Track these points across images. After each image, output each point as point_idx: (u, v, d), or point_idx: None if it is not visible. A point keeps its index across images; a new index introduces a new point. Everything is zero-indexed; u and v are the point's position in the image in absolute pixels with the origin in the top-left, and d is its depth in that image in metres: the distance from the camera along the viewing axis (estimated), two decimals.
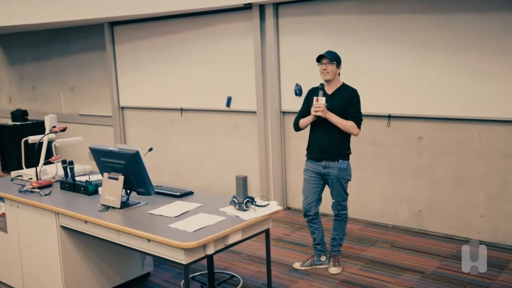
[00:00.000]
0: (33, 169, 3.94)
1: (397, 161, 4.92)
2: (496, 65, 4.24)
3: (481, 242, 4.46)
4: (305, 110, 3.96)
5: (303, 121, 3.93)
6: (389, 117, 4.89)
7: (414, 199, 4.87)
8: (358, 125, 3.82)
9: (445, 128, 4.61)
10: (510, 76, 4.18)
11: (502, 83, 4.23)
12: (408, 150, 4.83)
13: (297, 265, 4.15)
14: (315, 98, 3.80)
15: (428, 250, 4.38)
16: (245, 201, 3.08)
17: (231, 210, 3.11)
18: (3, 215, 3.81)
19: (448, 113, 4.54)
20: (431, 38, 4.52)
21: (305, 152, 4.04)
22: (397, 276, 3.88)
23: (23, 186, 3.84)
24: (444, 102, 4.54)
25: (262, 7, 5.48)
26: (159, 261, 4.14)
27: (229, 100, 5.99)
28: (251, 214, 3.04)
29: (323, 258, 4.10)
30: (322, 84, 3.86)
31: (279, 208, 3.20)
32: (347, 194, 3.97)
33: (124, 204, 3.24)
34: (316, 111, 3.76)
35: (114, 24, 7.01)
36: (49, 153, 4.12)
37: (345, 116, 3.79)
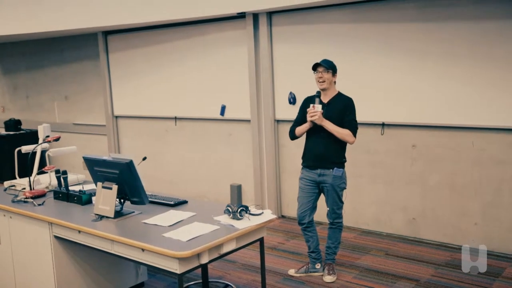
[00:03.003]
0: (27, 179, 3.92)
1: (391, 169, 4.93)
2: (489, 73, 4.27)
3: (476, 250, 4.48)
4: (301, 119, 3.97)
5: (299, 129, 3.94)
6: (383, 125, 4.91)
7: (409, 207, 4.88)
8: (354, 133, 3.83)
9: (438, 136, 4.63)
10: (504, 84, 4.22)
11: (496, 91, 4.26)
12: (402, 158, 4.85)
13: (291, 271, 4.14)
14: (311, 105, 3.81)
15: (423, 258, 4.38)
16: (239, 209, 3.08)
17: (225, 219, 3.10)
18: None
19: (441, 121, 4.57)
20: (424, 46, 4.55)
21: (300, 160, 4.04)
22: (392, 285, 3.88)
23: (16, 196, 3.82)
24: (437, 110, 4.57)
25: (255, 16, 5.51)
26: (153, 270, 4.12)
27: (223, 109, 6.00)
28: (246, 223, 3.03)
29: (318, 266, 4.09)
30: (319, 92, 3.87)
31: (274, 216, 3.20)
32: (342, 202, 3.97)
33: (118, 214, 3.23)
34: (312, 117, 3.77)
35: (108, 33, 7.02)
36: (42, 163, 4.10)
37: (340, 125, 3.80)
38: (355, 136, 3.84)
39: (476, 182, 4.47)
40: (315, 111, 3.76)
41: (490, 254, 4.38)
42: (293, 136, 4.02)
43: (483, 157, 4.42)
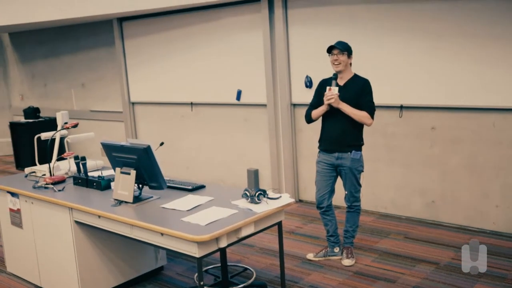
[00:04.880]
0: (46, 165, 3.97)
1: (410, 152, 4.88)
2: (509, 52, 4.17)
3: (497, 233, 4.43)
4: (317, 102, 3.93)
5: (315, 112, 3.90)
6: (401, 107, 4.84)
7: (427, 190, 4.83)
8: (371, 115, 3.79)
9: (458, 117, 4.56)
10: None
11: None
12: (421, 140, 4.79)
13: (310, 255, 4.14)
14: (327, 87, 3.77)
15: (443, 241, 4.34)
16: (257, 194, 3.07)
17: (243, 203, 3.10)
18: (18, 211, 3.84)
19: (461, 102, 4.49)
20: (443, 26, 4.46)
21: (316, 144, 4.02)
22: (411, 268, 3.86)
23: (37, 182, 3.87)
24: (456, 91, 4.49)
25: None
26: (172, 254, 4.16)
27: (239, 94, 5.98)
28: (264, 207, 3.03)
29: (336, 250, 4.09)
30: (335, 74, 3.83)
31: (292, 200, 3.19)
32: (360, 185, 3.95)
33: (137, 199, 3.25)
34: (328, 100, 3.73)
35: (123, 19, 7.02)
36: (61, 149, 4.15)
37: (357, 107, 3.76)
38: (372, 118, 3.80)
39: (497, 164, 4.40)
40: (332, 94, 3.72)
41: (510, 236, 4.32)
42: (309, 119, 3.98)
43: (504, 138, 4.34)
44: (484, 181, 4.49)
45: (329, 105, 3.76)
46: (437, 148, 4.71)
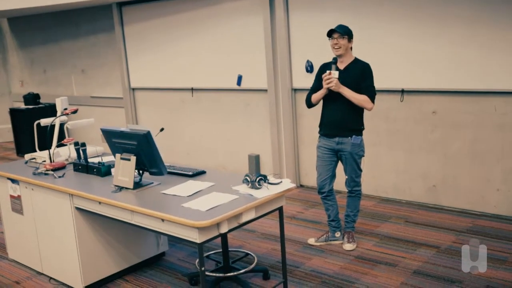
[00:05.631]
0: (46, 151, 3.96)
1: (411, 136, 4.86)
2: (510, 36, 4.14)
3: (498, 216, 4.43)
4: (317, 86, 3.90)
5: (315, 96, 3.88)
6: (402, 91, 4.81)
7: (429, 174, 4.82)
8: (372, 99, 3.76)
9: (459, 101, 4.53)
10: None
11: None
12: (422, 125, 4.77)
13: (311, 240, 4.15)
14: (327, 71, 3.74)
15: (443, 225, 4.35)
16: (258, 179, 3.07)
17: (244, 189, 3.10)
18: (19, 197, 3.85)
19: (462, 86, 4.46)
20: (444, 10, 4.41)
21: (317, 129, 4.00)
22: (412, 252, 3.87)
23: (37, 168, 3.86)
24: (458, 75, 4.45)
25: None
26: (173, 240, 4.17)
27: (239, 79, 5.95)
28: (264, 192, 3.02)
29: (337, 234, 4.09)
30: (335, 58, 3.79)
31: (293, 185, 3.18)
32: (360, 170, 3.94)
33: (137, 185, 3.25)
34: (328, 84, 3.70)
35: (122, 4, 6.96)
36: (61, 136, 4.14)
37: (358, 91, 3.73)
38: (373, 102, 3.77)
39: (499, 148, 4.38)
40: (331, 78, 3.69)
41: (511, 219, 4.33)
42: (309, 104, 3.96)
43: (505, 122, 4.32)
44: (485, 165, 4.48)
45: (329, 89, 3.73)
46: (438, 132, 4.69)
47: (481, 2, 4.22)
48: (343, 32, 3.72)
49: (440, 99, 4.63)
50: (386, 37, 4.78)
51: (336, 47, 3.75)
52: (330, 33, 3.77)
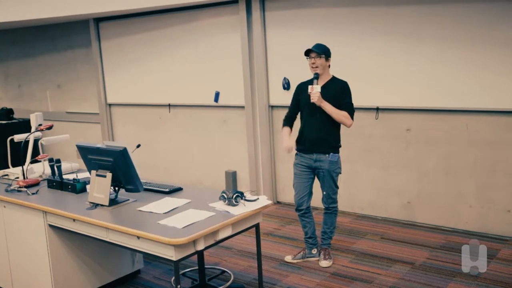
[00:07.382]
0: (20, 168, 3.89)
1: (386, 153, 4.93)
2: (482, 56, 4.25)
3: (469, 232, 4.51)
4: (294, 107, 3.96)
5: (283, 135, 4.00)
6: (377, 109, 4.90)
7: (404, 191, 4.89)
8: (351, 115, 3.82)
9: (433, 119, 4.63)
10: (497, 67, 4.21)
11: (489, 74, 4.25)
12: (397, 142, 4.85)
13: (288, 258, 4.15)
14: (309, 86, 3.78)
15: (418, 241, 4.40)
16: (234, 196, 3.07)
17: (220, 205, 3.09)
18: None
19: (435, 105, 4.56)
20: (419, 29, 4.53)
21: (294, 146, 4.03)
22: (387, 268, 3.90)
23: (10, 185, 3.79)
24: (431, 94, 4.56)
25: (248, 1, 5.45)
26: (149, 258, 4.12)
27: (217, 95, 5.97)
28: (241, 209, 3.02)
29: (314, 251, 4.10)
30: (316, 73, 3.83)
31: (269, 202, 3.19)
32: (337, 187, 3.97)
33: (113, 202, 3.22)
34: (312, 99, 3.74)
35: (100, 20, 6.94)
36: (35, 152, 4.07)
37: (337, 108, 3.78)
38: (352, 118, 3.83)
39: (471, 165, 4.48)
40: (314, 93, 3.73)
41: (484, 236, 4.41)
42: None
43: (477, 140, 4.43)
44: (458, 182, 4.57)
45: (307, 105, 3.78)
46: (413, 149, 4.77)
47: (454, 22, 4.34)
48: (320, 52, 3.78)
49: (414, 116, 4.73)
50: (361, 55, 4.87)
51: (313, 66, 3.81)
52: (307, 52, 3.82)
